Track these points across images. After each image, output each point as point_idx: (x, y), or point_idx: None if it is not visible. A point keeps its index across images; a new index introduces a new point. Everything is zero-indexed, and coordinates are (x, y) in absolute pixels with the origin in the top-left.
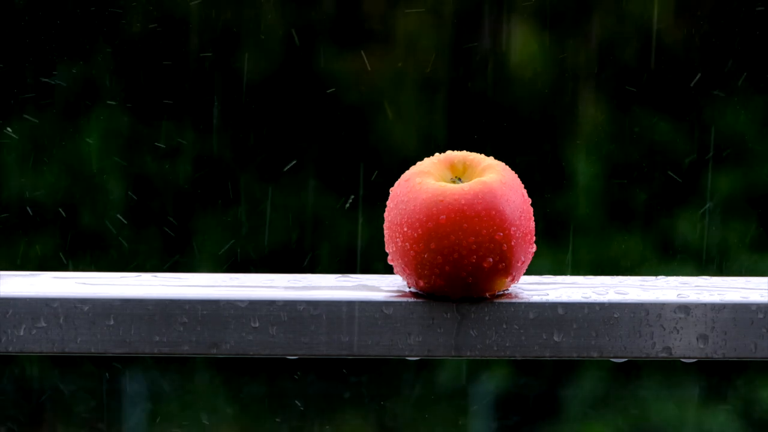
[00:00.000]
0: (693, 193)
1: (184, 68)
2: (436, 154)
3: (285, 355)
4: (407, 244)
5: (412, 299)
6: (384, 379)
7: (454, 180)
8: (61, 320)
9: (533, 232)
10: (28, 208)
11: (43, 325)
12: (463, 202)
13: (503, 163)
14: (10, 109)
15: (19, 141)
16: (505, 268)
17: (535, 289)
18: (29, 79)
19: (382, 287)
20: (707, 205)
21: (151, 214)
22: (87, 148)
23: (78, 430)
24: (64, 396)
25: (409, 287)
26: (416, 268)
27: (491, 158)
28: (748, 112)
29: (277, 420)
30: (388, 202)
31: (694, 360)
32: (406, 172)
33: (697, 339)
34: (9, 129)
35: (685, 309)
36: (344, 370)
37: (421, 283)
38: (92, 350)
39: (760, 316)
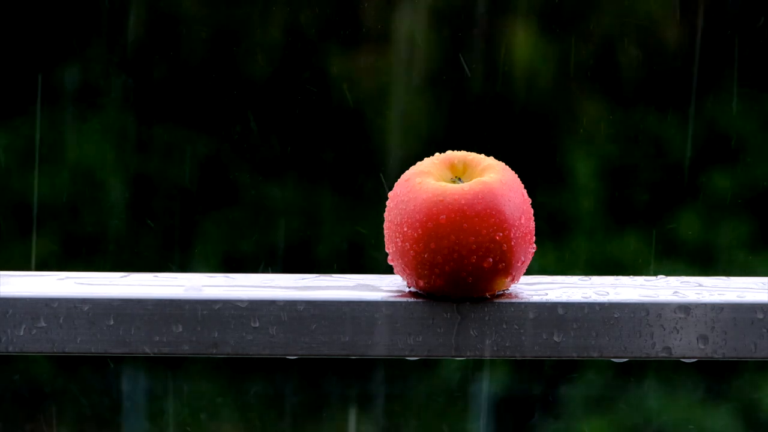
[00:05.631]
0: (693, 193)
1: (183, 68)
2: (436, 154)
3: (285, 355)
4: (407, 244)
5: (412, 299)
6: (384, 379)
7: (454, 180)
8: (61, 320)
9: (533, 232)
10: (28, 208)
11: (43, 325)
12: (463, 202)
13: (503, 163)
14: (10, 108)
15: (20, 141)
16: (505, 268)
17: (535, 289)
18: (30, 79)
19: (382, 287)
20: (707, 205)
21: (151, 214)
22: (87, 148)
23: (78, 430)
24: (64, 396)
25: (409, 287)
26: (416, 268)
27: (491, 158)
28: (748, 111)
29: (276, 420)
30: (388, 202)
31: (694, 360)
32: (406, 172)
33: (697, 339)
34: (9, 129)
35: (685, 309)
36: (344, 371)
37: (421, 283)
38: (92, 350)
39: (760, 316)
